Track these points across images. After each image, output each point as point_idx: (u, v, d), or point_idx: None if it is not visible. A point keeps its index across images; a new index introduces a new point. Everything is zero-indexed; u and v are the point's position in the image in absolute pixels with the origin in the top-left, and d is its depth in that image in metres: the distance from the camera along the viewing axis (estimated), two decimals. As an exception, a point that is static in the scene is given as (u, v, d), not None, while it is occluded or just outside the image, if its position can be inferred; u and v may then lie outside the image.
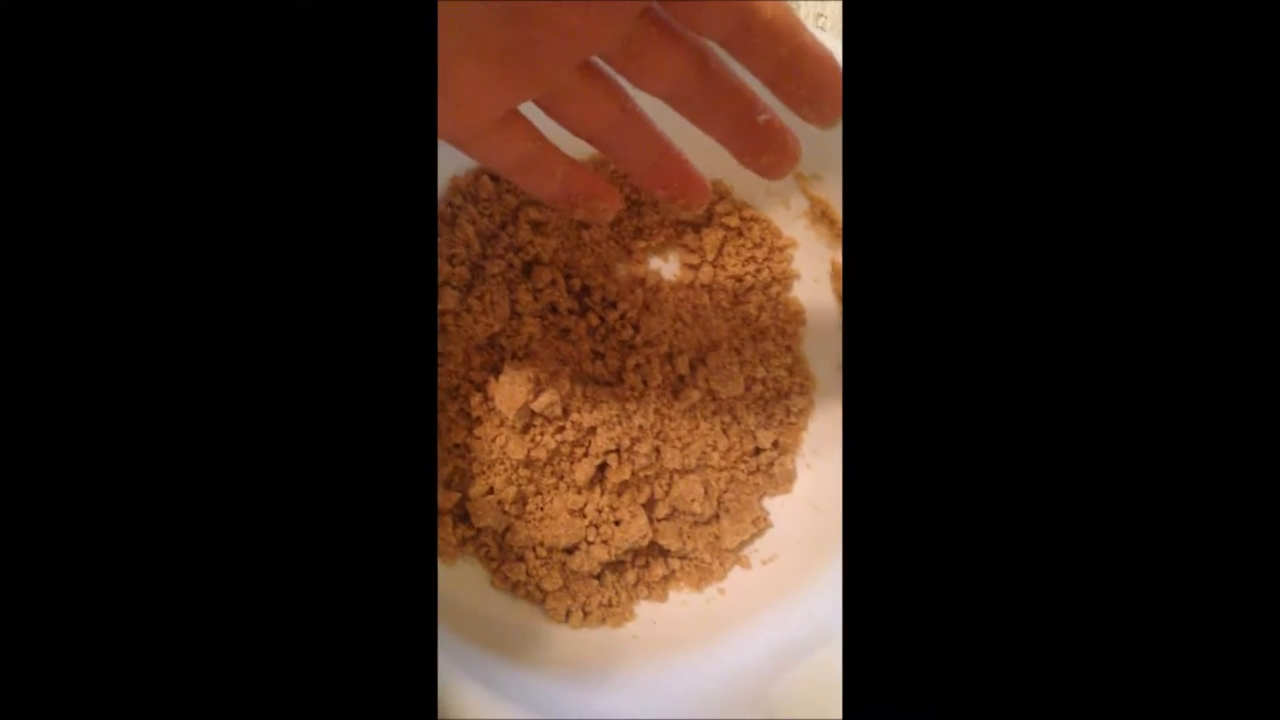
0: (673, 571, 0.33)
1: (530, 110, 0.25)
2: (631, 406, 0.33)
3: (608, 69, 0.24)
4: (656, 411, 0.33)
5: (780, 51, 0.22)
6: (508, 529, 0.32)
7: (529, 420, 0.31)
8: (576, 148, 0.27)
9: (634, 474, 0.32)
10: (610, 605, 0.32)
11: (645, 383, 0.33)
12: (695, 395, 0.34)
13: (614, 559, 0.32)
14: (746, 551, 0.34)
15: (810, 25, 0.31)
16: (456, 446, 0.32)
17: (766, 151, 0.25)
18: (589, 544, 0.32)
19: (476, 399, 0.32)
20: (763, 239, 0.36)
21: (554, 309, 0.34)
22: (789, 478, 0.35)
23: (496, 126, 0.24)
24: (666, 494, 0.33)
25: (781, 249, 0.36)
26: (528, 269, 0.34)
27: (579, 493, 0.32)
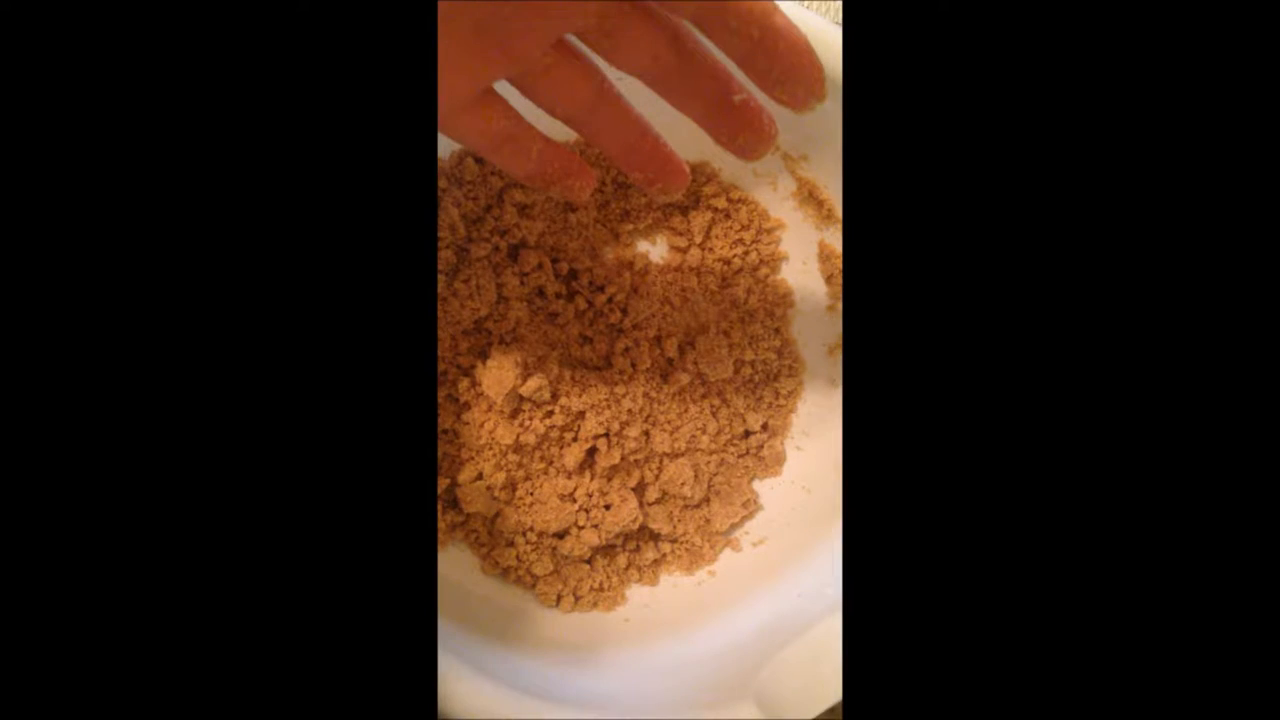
0: (663, 555, 0.33)
1: (507, 91, 0.25)
2: (620, 390, 0.33)
3: (585, 49, 0.24)
4: (645, 395, 0.33)
5: (752, 31, 0.22)
6: (497, 514, 0.32)
7: (517, 405, 0.31)
8: (559, 133, 0.27)
9: (624, 458, 0.32)
10: (601, 589, 0.32)
11: (634, 366, 0.33)
12: (684, 378, 0.34)
13: (604, 543, 0.32)
14: (737, 534, 0.34)
15: (802, 5, 0.31)
16: (445, 432, 0.31)
17: (743, 131, 0.25)
18: (579, 528, 0.32)
19: (464, 384, 0.32)
20: (750, 221, 0.36)
21: (541, 293, 0.33)
22: (779, 460, 0.35)
23: (472, 104, 0.24)
24: (656, 478, 0.33)
25: (769, 231, 0.36)
26: (514, 252, 0.33)
27: (569, 477, 0.32)
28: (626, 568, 0.33)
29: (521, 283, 0.33)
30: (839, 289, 0.35)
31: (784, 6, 0.24)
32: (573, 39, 0.24)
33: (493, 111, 0.25)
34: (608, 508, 0.32)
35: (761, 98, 0.24)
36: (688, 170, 0.28)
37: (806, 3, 0.39)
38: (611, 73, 0.25)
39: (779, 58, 0.22)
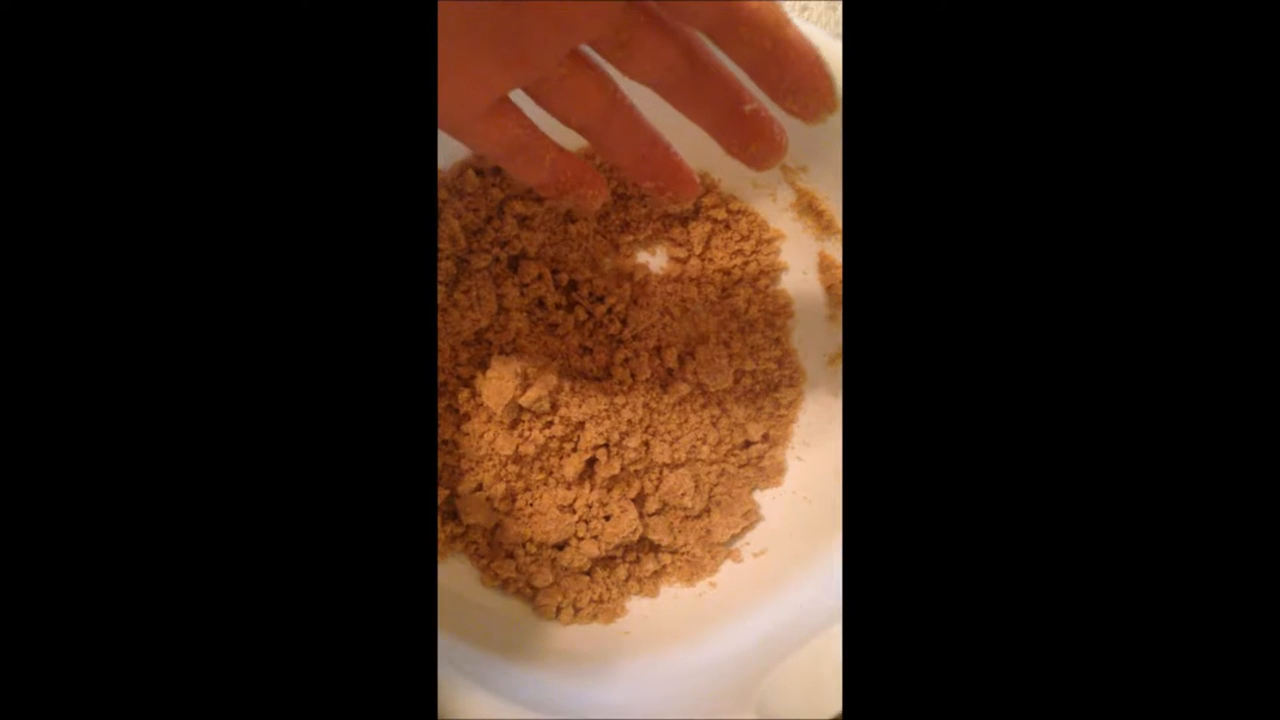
0: (664, 566, 0.33)
1: (521, 100, 0.25)
2: (620, 400, 0.32)
3: (598, 59, 0.24)
4: (645, 405, 0.33)
5: (764, 42, 0.22)
6: (497, 526, 0.31)
7: (517, 416, 0.31)
8: (570, 144, 0.27)
9: (623, 468, 0.32)
10: (601, 601, 0.32)
11: (634, 377, 0.33)
12: (684, 389, 0.34)
13: (604, 554, 0.32)
14: (738, 545, 0.34)
15: (795, 16, 0.31)
16: (444, 443, 0.31)
17: (754, 141, 0.25)
18: (579, 540, 0.32)
19: (464, 395, 0.31)
20: (750, 231, 0.36)
21: (541, 304, 0.33)
22: (779, 470, 0.35)
23: (487, 113, 0.24)
24: (656, 488, 0.33)
25: (769, 241, 0.36)
26: (514, 264, 0.33)
27: (568, 488, 0.32)
28: (626, 579, 0.32)
29: (521, 294, 0.33)
30: (839, 299, 0.35)
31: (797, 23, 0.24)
32: (587, 49, 0.24)
33: (507, 120, 0.25)
34: (607, 519, 0.32)
35: (772, 109, 0.25)
36: (698, 180, 0.28)
37: (804, 5, 0.39)
38: (621, 82, 0.25)
39: (790, 68, 0.23)
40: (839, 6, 0.41)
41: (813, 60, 0.23)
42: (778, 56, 0.22)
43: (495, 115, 0.24)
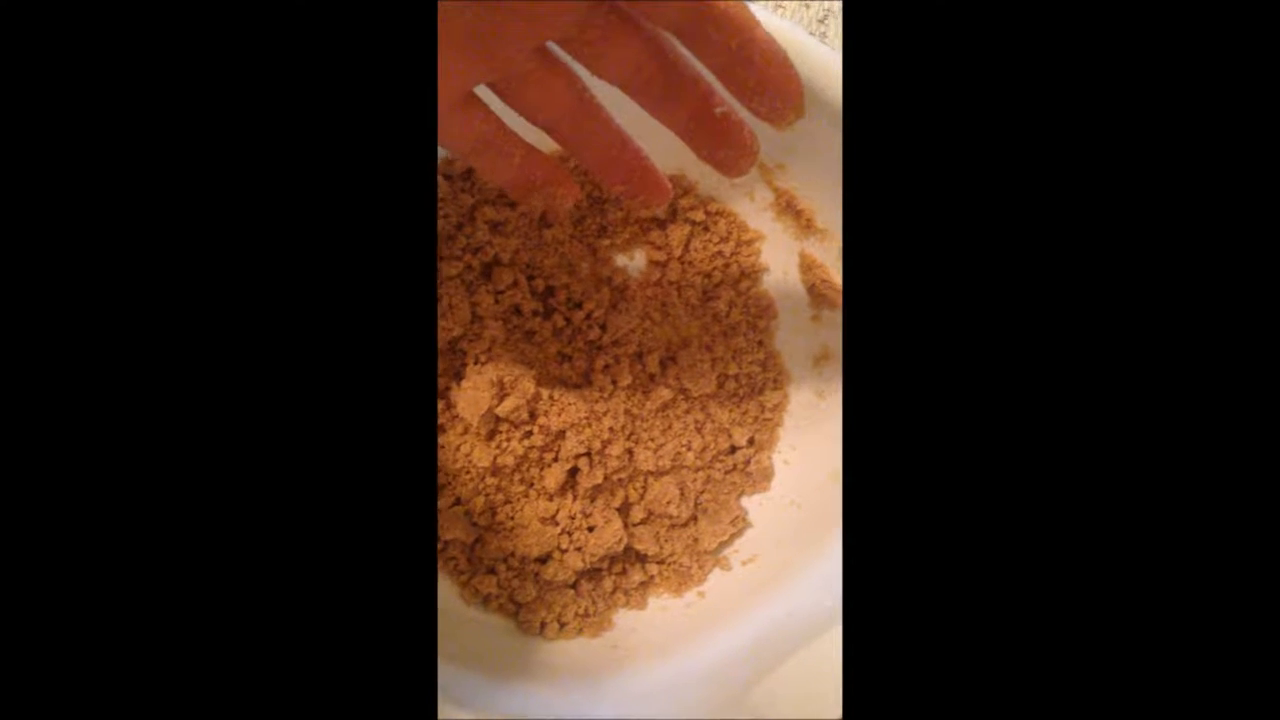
0: (651, 577, 0.32)
1: (490, 100, 0.24)
2: (601, 408, 0.32)
3: (566, 57, 0.24)
4: (627, 412, 0.32)
5: (731, 43, 0.22)
6: (477, 541, 0.30)
7: (494, 426, 0.30)
8: (543, 147, 0.27)
9: (606, 478, 0.31)
10: (587, 615, 0.31)
11: (614, 383, 0.32)
12: (667, 394, 0.33)
13: (589, 567, 0.31)
14: (726, 553, 0.33)
15: (769, 13, 0.31)
16: (420, 457, 0.30)
17: (723, 145, 0.25)
18: (562, 552, 0.31)
19: (439, 406, 0.31)
20: (729, 233, 0.35)
21: (517, 311, 0.33)
22: (766, 475, 0.34)
23: (454, 108, 0.24)
24: (641, 497, 0.32)
25: (749, 242, 0.35)
26: (487, 270, 0.33)
27: (550, 499, 0.31)
28: (613, 591, 0.32)
29: (496, 301, 0.32)
30: (820, 299, 0.35)
31: (771, 20, 0.24)
32: (554, 47, 0.24)
33: (474, 116, 0.25)
34: (591, 530, 0.31)
35: (742, 113, 0.24)
36: (669, 186, 0.28)
37: (777, 5, 0.39)
38: (593, 87, 0.25)
39: (756, 69, 0.23)
40: (813, 5, 0.40)
41: (781, 62, 0.23)
42: (746, 57, 0.22)
43: (462, 111, 0.24)
